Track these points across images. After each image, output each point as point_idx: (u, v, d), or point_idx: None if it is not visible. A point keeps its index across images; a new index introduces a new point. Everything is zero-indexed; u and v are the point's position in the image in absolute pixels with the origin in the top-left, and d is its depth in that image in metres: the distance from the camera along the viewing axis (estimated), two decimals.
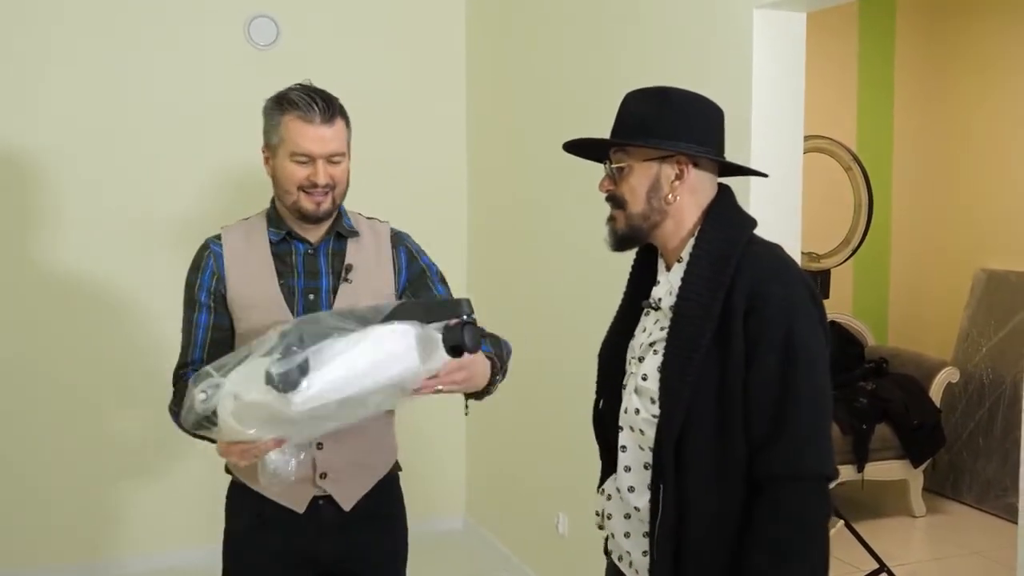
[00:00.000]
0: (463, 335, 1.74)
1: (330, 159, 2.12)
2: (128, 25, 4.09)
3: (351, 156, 2.20)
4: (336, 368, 1.68)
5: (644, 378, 1.78)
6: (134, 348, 4.14)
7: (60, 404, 4.11)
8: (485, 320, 4.63)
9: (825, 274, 4.44)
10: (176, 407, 2.11)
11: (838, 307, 5.23)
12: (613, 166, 1.80)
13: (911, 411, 4.80)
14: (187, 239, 4.22)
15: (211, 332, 2.21)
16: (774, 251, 1.78)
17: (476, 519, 4.48)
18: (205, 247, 2.23)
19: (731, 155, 1.81)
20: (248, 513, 2.25)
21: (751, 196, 2.50)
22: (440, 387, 1.86)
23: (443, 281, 2.34)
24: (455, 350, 1.75)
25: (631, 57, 3.24)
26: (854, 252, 4.38)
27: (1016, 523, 4.77)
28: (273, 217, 2.23)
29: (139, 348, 4.12)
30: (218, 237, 2.24)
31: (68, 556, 4.13)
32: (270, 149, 2.15)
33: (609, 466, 1.98)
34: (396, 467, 2.37)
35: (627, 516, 1.87)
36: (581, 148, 1.92)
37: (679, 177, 1.75)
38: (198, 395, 1.77)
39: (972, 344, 5.24)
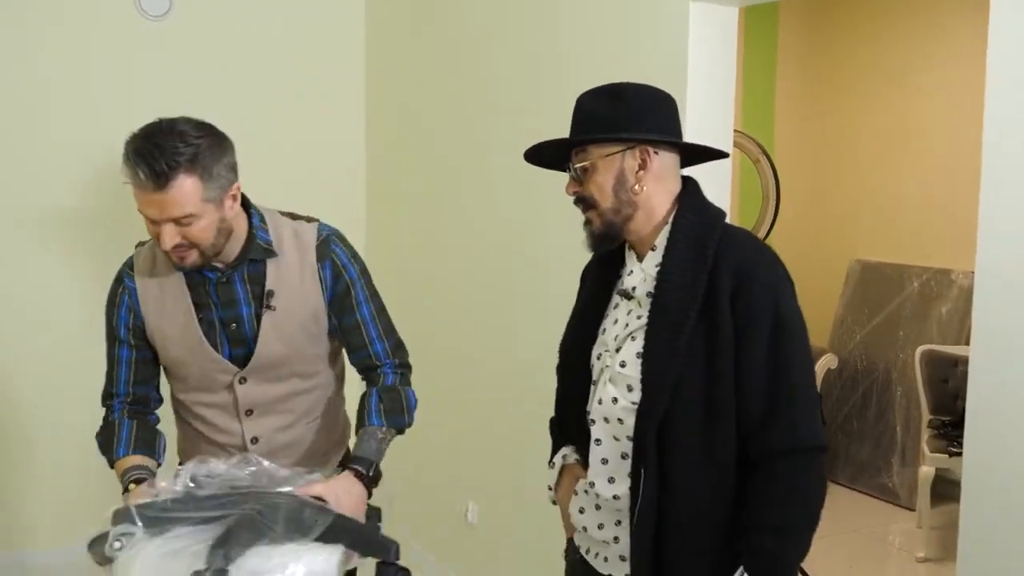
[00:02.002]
0: None
1: (178, 222, 1.89)
2: None
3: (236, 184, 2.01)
4: None
5: (622, 365, 1.77)
6: (29, 341, 3.89)
7: None
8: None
9: None
10: (101, 439, 2.14)
11: None
12: (576, 166, 1.80)
13: None
14: (74, 232, 4.05)
15: (135, 367, 2.16)
16: (751, 235, 1.83)
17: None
18: (119, 280, 2.14)
19: None
20: None
21: None
22: None
23: (371, 297, 2.21)
24: None
25: (563, 50, 3.21)
26: None
27: (888, 502, 5.05)
28: None
29: (36, 341, 3.88)
30: (130, 268, 2.13)
31: None
32: None
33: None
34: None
35: (598, 507, 1.87)
36: (539, 156, 1.90)
37: (643, 167, 1.76)
38: (114, 540, 1.70)
39: (847, 332, 5.49)
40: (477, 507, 3.75)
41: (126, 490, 1.98)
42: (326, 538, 1.71)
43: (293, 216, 2.18)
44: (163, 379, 2.26)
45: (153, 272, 2.09)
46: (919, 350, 4.65)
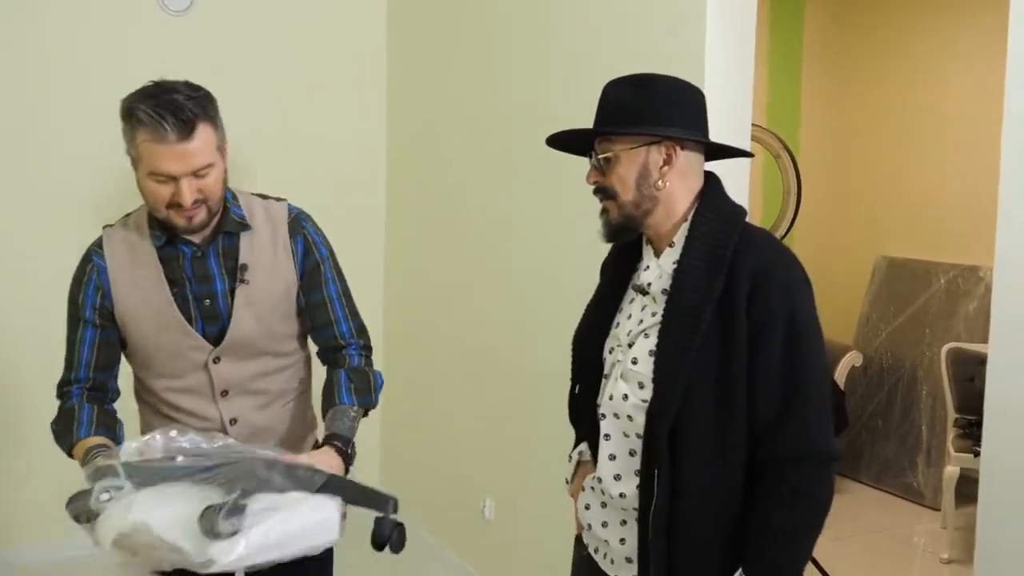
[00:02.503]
0: (393, 537, 1.78)
1: (196, 173, 1.91)
2: None
3: (226, 150, 2.02)
4: (270, 531, 1.59)
5: (634, 362, 1.75)
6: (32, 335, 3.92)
7: None
8: (403, 307, 4.56)
9: None
10: (58, 425, 2.05)
11: None
12: (600, 156, 1.76)
13: None
14: (94, 224, 4.05)
15: (98, 349, 2.08)
16: (770, 235, 1.80)
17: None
18: (87, 259, 2.07)
19: None
20: None
21: None
22: None
23: (338, 277, 2.20)
24: (380, 545, 1.78)
25: (579, 39, 3.20)
26: (781, 239, 4.45)
27: (913, 502, 4.98)
28: (155, 218, 2.04)
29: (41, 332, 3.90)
30: (99, 247, 2.07)
31: None
32: (130, 158, 1.95)
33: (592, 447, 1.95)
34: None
35: (604, 505, 1.85)
36: (562, 142, 1.87)
37: (667, 162, 1.73)
38: (101, 493, 1.64)
39: (872, 329, 5.42)
40: (493, 503, 3.74)
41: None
42: (326, 491, 1.70)
43: (263, 196, 2.18)
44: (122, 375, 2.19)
45: (124, 249, 2.06)
46: (945, 348, 4.58)
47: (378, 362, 2.30)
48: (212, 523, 1.55)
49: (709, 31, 2.63)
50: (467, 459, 3.94)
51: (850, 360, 5.13)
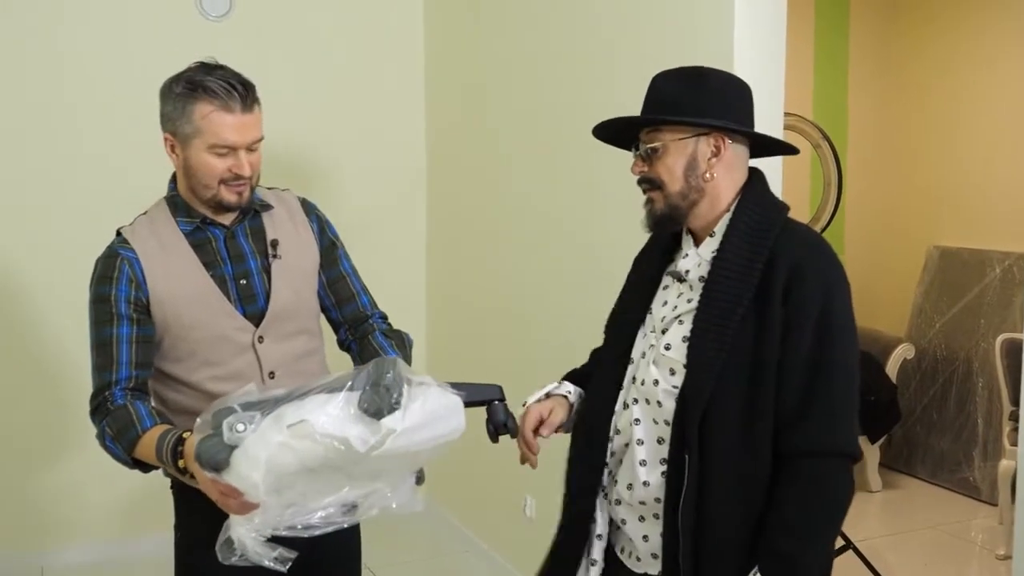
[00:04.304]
0: (508, 419, 1.92)
1: (250, 147, 1.99)
2: None
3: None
4: (425, 402, 1.64)
5: (667, 348, 1.75)
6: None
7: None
8: (443, 303, 4.55)
9: None
10: (112, 429, 1.93)
11: None
12: (647, 146, 1.76)
13: (868, 387, 4.84)
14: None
15: (136, 346, 2.00)
16: (813, 231, 1.80)
17: (438, 501, 4.42)
18: (113, 255, 2.02)
19: None
20: (204, 518, 1.97)
21: None
22: None
23: (348, 256, 2.28)
24: (496, 429, 1.91)
25: (609, 33, 3.17)
26: (823, 230, 4.37)
27: (970, 497, 4.86)
28: (181, 205, 2.07)
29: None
30: (124, 241, 2.04)
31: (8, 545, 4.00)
32: (178, 137, 1.98)
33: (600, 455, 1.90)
34: None
35: (618, 502, 1.84)
36: (607, 133, 1.87)
37: (715, 154, 1.73)
38: (237, 424, 1.59)
39: (926, 320, 5.30)
40: (535, 501, 3.72)
41: (178, 445, 1.83)
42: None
43: (267, 188, 2.24)
44: None
45: (152, 239, 2.04)
46: (999, 339, 4.46)
47: (420, 360, 2.32)
48: (379, 397, 1.57)
49: (738, 21, 2.59)
50: (508, 456, 3.92)
51: (902, 352, 5.04)
